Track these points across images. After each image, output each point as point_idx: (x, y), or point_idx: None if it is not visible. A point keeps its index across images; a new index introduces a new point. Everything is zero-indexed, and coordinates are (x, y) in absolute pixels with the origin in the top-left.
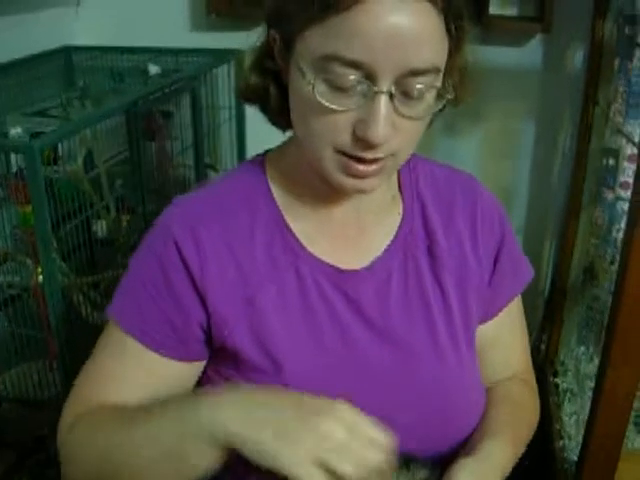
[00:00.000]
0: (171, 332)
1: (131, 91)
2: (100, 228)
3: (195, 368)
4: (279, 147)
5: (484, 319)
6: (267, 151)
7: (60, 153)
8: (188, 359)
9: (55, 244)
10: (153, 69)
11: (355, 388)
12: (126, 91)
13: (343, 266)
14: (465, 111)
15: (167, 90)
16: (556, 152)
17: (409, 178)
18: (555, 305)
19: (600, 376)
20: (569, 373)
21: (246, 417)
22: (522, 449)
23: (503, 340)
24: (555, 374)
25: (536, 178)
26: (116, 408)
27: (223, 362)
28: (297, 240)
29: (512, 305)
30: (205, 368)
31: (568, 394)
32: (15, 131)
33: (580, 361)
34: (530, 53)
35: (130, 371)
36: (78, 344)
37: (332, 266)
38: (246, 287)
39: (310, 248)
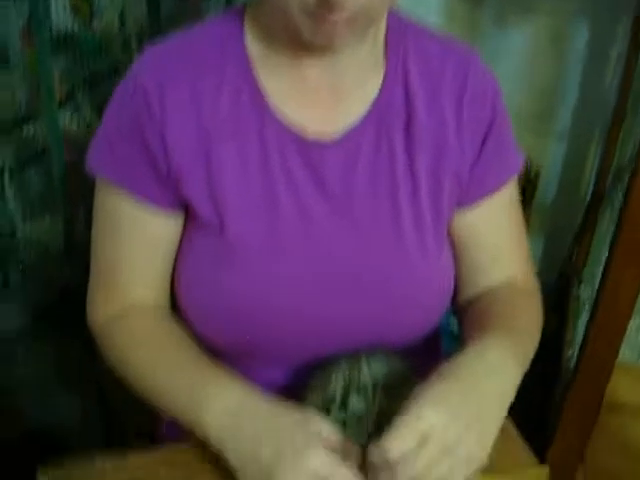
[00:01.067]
0: (148, 175)
1: None
2: None
3: (179, 222)
4: None
5: (461, 205)
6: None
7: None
8: (172, 207)
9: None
10: None
11: (307, 267)
12: None
13: (311, 134)
14: (516, 2)
15: None
16: (608, 57)
17: (397, 49)
18: (591, 214)
19: (604, 277)
20: (591, 285)
21: (233, 448)
22: (524, 355)
23: (488, 238)
24: (579, 285)
25: (585, 82)
26: (142, 340)
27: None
28: (265, 98)
29: (499, 199)
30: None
31: (587, 305)
32: None
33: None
34: None
35: (129, 242)
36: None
37: (298, 134)
38: (207, 141)
39: (279, 109)
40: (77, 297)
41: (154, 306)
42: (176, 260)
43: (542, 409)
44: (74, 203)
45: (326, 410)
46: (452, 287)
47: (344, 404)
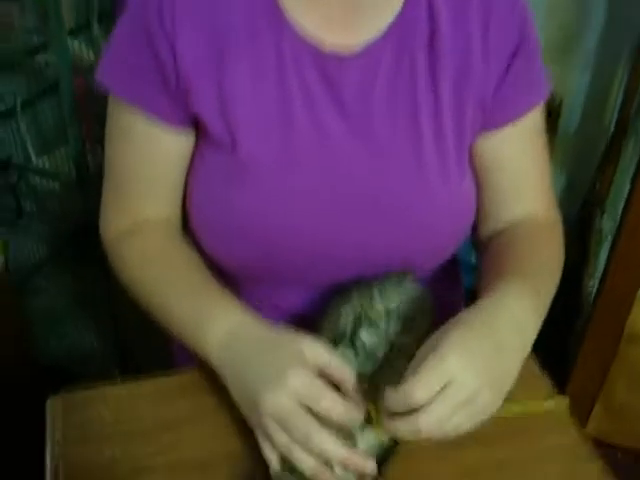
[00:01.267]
0: (157, 89)
1: None
2: None
3: (191, 138)
4: None
5: (485, 130)
6: None
7: None
8: (182, 124)
9: None
10: None
11: (322, 186)
12: None
13: (329, 46)
14: None
15: None
16: None
17: None
18: (614, 144)
19: (625, 209)
20: (613, 216)
21: (228, 371)
22: (546, 299)
23: (511, 163)
24: (601, 217)
25: (610, 9)
26: (152, 257)
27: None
28: (283, 12)
29: (524, 126)
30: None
31: (609, 236)
32: None
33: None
34: None
35: (141, 157)
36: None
37: (316, 46)
38: (219, 56)
39: (296, 22)
40: (92, 229)
41: (166, 223)
42: (188, 178)
43: (562, 341)
44: (88, 135)
45: (336, 345)
46: (473, 215)
47: (353, 339)
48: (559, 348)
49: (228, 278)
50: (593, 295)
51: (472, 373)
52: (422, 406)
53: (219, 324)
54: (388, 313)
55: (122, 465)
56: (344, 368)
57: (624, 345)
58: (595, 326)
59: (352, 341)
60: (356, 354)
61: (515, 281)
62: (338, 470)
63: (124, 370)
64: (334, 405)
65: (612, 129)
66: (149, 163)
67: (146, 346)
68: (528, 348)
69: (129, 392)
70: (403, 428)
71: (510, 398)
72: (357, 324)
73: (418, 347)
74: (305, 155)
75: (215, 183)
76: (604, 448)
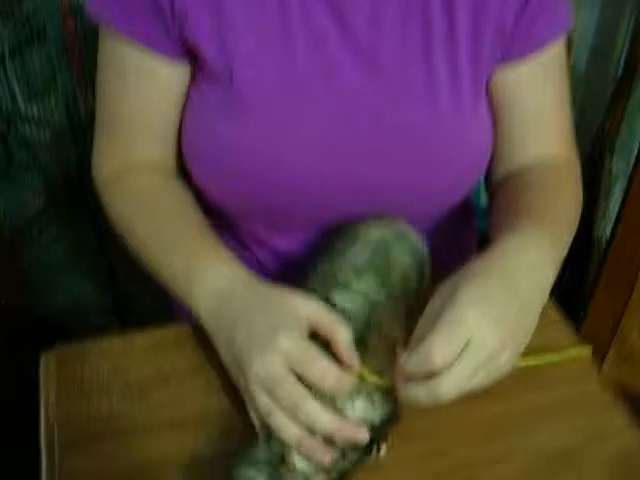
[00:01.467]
0: (151, 19)
1: None
2: None
3: (187, 72)
4: None
5: (505, 61)
6: None
7: None
8: (178, 55)
9: None
10: None
11: (326, 123)
12: None
13: None
14: None
15: None
16: None
17: None
18: (624, 84)
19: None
20: (625, 157)
21: (215, 331)
22: (563, 248)
23: (530, 99)
24: (611, 158)
25: None
26: (144, 201)
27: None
28: None
29: (545, 58)
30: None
31: (621, 178)
32: None
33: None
34: None
35: (135, 93)
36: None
37: None
38: None
39: None
40: (85, 177)
41: (160, 164)
42: (184, 118)
43: (574, 286)
44: (79, 81)
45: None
46: (489, 150)
47: (329, 304)
48: (570, 292)
49: (226, 221)
50: (605, 238)
51: (493, 330)
52: (445, 368)
53: (207, 282)
54: (358, 271)
55: (121, 422)
56: (341, 326)
57: (638, 291)
58: (608, 271)
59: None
60: (348, 311)
61: (532, 227)
62: (298, 461)
63: (124, 323)
64: (326, 374)
65: (621, 69)
66: (143, 99)
67: (146, 298)
68: (545, 299)
69: (126, 345)
70: (421, 395)
71: (530, 347)
72: (328, 288)
73: (409, 301)
74: (308, 93)
75: (212, 118)
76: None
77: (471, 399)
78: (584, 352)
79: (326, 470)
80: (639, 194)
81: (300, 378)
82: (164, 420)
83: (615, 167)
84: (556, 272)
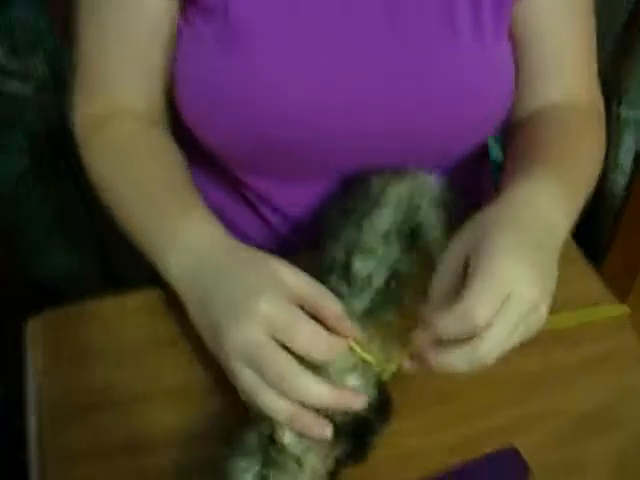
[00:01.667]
0: None
1: None
2: None
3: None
4: None
5: None
6: None
7: None
8: None
9: None
10: None
11: (333, 59)
12: None
13: None
14: None
15: None
16: None
17: None
18: (632, 27)
19: None
20: (634, 103)
21: (189, 298)
22: (583, 194)
23: (553, 33)
24: (619, 103)
25: None
26: (121, 153)
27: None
28: None
29: None
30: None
31: (632, 126)
32: None
33: None
34: None
35: (117, 26)
36: None
37: None
38: None
39: None
40: (69, 134)
41: (144, 110)
42: (175, 63)
43: (588, 237)
44: (62, 34)
45: (326, 276)
46: (511, 88)
47: (346, 268)
48: (584, 245)
49: (224, 174)
50: (619, 190)
51: (530, 280)
52: (485, 329)
53: (184, 239)
54: (386, 235)
55: (117, 391)
56: (329, 298)
57: None
58: (625, 222)
59: (345, 270)
60: (350, 285)
61: (547, 175)
62: (289, 440)
63: (116, 290)
64: (315, 340)
65: (628, 12)
66: (126, 33)
67: (139, 265)
68: (558, 251)
69: (118, 307)
70: (458, 361)
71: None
72: (350, 252)
73: (426, 264)
74: (312, 26)
75: (205, 56)
76: None
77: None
78: (621, 311)
79: (321, 450)
80: None
81: (286, 348)
82: (162, 388)
83: (624, 112)
84: (571, 224)
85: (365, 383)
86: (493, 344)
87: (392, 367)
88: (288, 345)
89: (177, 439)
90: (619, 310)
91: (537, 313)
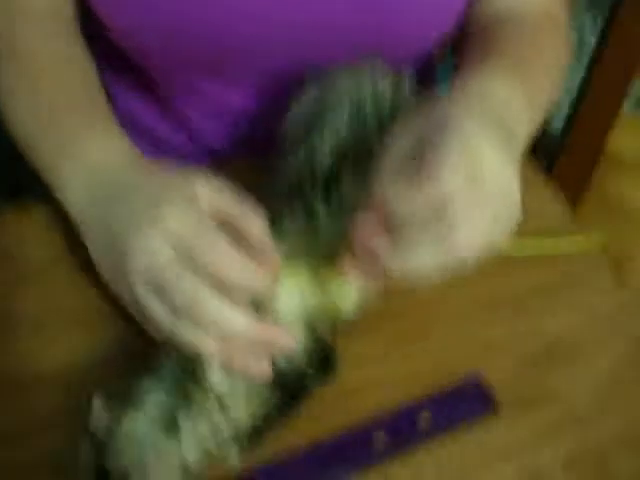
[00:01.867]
0: None
1: None
2: None
3: None
4: None
5: None
6: None
7: None
8: None
9: None
10: None
11: None
12: None
13: None
14: None
15: None
16: None
17: None
18: None
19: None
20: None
21: (91, 228)
22: (547, 94)
23: None
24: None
25: None
26: (21, 59)
27: None
28: None
29: None
30: None
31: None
32: None
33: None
34: None
35: None
36: None
37: None
38: None
39: None
40: None
41: (51, 12)
42: None
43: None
44: None
45: (298, 192)
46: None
47: (332, 182)
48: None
49: (155, 76)
50: (552, 123)
51: (501, 161)
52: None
53: (85, 155)
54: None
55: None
56: (252, 216)
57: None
58: (572, 147)
59: (328, 186)
60: (329, 205)
61: (504, 65)
62: (215, 375)
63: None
64: (233, 262)
65: None
66: None
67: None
68: (521, 146)
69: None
70: (427, 258)
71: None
72: (342, 162)
73: None
74: None
75: None
76: None
77: (464, 279)
78: (595, 239)
79: (251, 398)
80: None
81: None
82: (63, 313)
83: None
84: (529, 135)
85: (304, 328)
86: (474, 229)
87: (338, 311)
88: (199, 264)
89: (78, 368)
90: (594, 240)
91: (510, 203)
